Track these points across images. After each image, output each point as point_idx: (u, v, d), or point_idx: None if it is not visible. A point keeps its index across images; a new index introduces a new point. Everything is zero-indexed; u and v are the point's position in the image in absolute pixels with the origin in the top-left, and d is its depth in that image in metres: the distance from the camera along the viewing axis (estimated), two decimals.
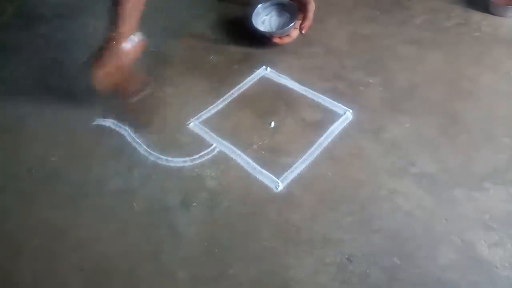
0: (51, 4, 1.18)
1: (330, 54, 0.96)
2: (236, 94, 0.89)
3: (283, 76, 0.92)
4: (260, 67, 0.94)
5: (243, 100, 0.88)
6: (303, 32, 0.91)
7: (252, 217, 0.68)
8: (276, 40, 0.94)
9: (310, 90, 0.88)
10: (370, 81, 0.89)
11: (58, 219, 0.70)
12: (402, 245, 0.63)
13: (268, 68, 0.93)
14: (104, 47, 0.76)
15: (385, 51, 0.96)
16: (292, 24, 0.92)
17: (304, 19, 0.91)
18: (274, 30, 0.96)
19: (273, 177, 0.73)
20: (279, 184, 0.72)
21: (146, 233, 0.67)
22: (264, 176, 0.74)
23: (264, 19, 0.98)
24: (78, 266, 0.64)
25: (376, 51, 0.96)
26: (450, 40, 0.98)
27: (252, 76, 0.92)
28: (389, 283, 0.59)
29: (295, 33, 0.94)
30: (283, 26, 0.95)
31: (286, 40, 0.94)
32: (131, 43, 0.77)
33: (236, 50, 0.98)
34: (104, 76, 0.77)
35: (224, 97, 0.88)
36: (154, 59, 0.97)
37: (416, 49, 0.96)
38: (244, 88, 0.90)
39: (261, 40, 0.96)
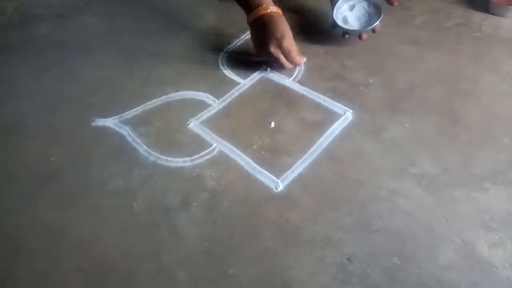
0: (51, 4, 1.18)
1: (330, 54, 0.96)
2: (236, 94, 0.89)
3: (283, 76, 0.92)
4: (260, 67, 0.94)
5: (243, 100, 0.88)
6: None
7: (252, 217, 0.68)
8: (364, 36, 0.94)
9: (310, 90, 0.88)
10: (370, 81, 0.89)
11: (58, 219, 0.69)
12: (402, 245, 0.63)
13: (268, 68, 0.93)
14: (270, 23, 0.84)
15: (385, 51, 0.96)
16: (380, 18, 0.92)
17: None
18: (361, 26, 0.95)
19: (273, 177, 0.73)
20: (279, 184, 0.72)
21: (146, 233, 0.67)
22: (264, 176, 0.74)
23: (345, 15, 0.97)
24: (78, 266, 0.63)
25: (376, 51, 0.96)
26: (450, 40, 0.98)
27: (252, 76, 0.92)
28: (389, 283, 0.59)
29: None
30: (367, 21, 0.95)
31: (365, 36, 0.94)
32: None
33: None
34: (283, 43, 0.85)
35: (224, 97, 0.88)
36: (154, 59, 0.98)
37: (416, 49, 0.96)
38: (244, 88, 0.90)
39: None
